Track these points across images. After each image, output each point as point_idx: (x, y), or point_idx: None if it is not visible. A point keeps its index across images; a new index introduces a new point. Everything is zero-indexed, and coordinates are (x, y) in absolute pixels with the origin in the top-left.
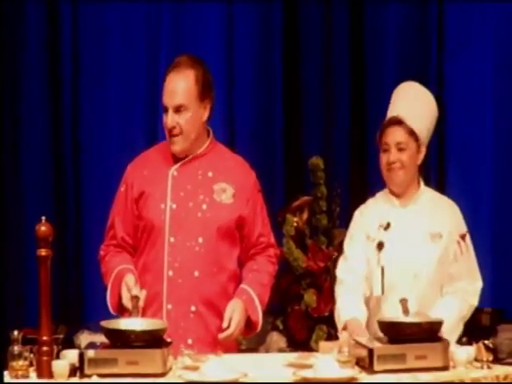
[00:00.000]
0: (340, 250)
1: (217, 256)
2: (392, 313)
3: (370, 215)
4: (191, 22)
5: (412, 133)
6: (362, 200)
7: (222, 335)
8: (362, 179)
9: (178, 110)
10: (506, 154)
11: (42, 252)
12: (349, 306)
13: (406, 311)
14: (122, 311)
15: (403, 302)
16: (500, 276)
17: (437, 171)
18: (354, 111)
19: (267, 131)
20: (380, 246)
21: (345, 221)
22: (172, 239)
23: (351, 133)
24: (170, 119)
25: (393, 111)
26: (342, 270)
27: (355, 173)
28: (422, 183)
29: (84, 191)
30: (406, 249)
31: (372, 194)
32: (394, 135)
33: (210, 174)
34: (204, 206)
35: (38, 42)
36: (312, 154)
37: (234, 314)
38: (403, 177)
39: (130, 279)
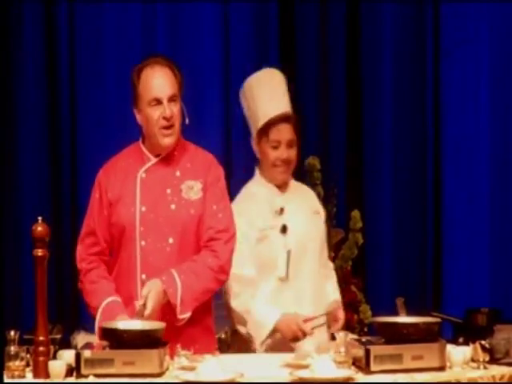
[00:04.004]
0: (337, 249)
1: (189, 254)
2: (299, 295)
3: (255, 209)
4: (187, 21)
5: (297, 128)
6: (358, 200)
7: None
8: (358, 179)
9: (171, 99)
10: (502, 152)
11: (39, 252)
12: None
13: (402, 311)
14: None
15: (399, 301)
16: (497, 276)
17: (433, 170)
18: (351, 111)
19: None
20: (284, 229)
21: (341, 221)
22: (143, 242)
23: (348, 133)
24: (168, 109)
25: (279, 106)
26: (242, 275)
27: (351, 173)
28: None
29: (81, 191)
30: (304, 228)
31: (368, 193)
32: (286, 132)
33: (178, 173)
34: (173, 206)
35: (34, 41)
36: (308, 154)
37: (149, 294)
38: (289, 172)
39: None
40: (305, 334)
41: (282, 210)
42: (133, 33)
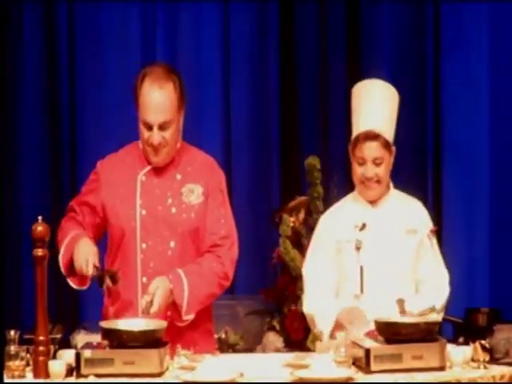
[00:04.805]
0: None
1: (190, 258)
2: (372, 312)
3: (339, 219)
4: (187, 21)
5: (387, 144)
6: None
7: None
8: None
9: (162, 126)
10: (502, 154)
11: (39, 252)
12: (328, 305)
13: (402, 311)
14: (71, 273)
15: (399, 302)
16: (497, 276)
17: (433, 172)
18: (350, 111)
19: (264, 131)
20: (358, 245)
21: None
22: (144, 245)
23: (347, 132)
24: (156, 137)
25: (366, 122)
26: (312, 278)
27: (352, 173)
28: (391, 186)
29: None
30: (383, 247)
31: None
32: (371, 150)
33: (179, 176)
34: (173, 210)
35: (34, 41)
36: (308, 153)
37: (157, 290)
38: (378, 189)
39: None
40: None
41: (363, 226)
42: (133, 33)
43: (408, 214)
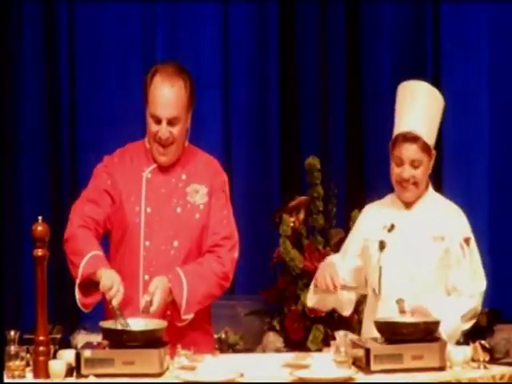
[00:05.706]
0: (337, 249)
1: (193, 259)
2: (387, 313)
3: (371, 217)
4: (187, 21)
5: (426, 147)
6: (358, 200)
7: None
8: (358, 179)
9: (171, 121)
10: (502, 153)
11: (39, 252)
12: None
13: (402, 311)
14: (83, 288)
15: (399, 302)
16: (497, 276)
17: (433, 171)
18: (351, 111)
19: (263, 131)
20: (381, 246)
21: (341, 221)
22: (147, 243)
23: (348, 133)
24: (164, 131)
25: (406, 123)
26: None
27: (352, 173)
28: (430, 187)
29: (81, 191)
30: (406, 250)
31: (368, 193)
32: (409, 152)
33: (184, 176)
34: (178, 210)
35: (34, 41)
36: (308, 154)
37: (156, 290)
38: (415, 191)
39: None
40: (334, 287)
41: (392, 227)
42: (133, 33)
43: (439, 219)
